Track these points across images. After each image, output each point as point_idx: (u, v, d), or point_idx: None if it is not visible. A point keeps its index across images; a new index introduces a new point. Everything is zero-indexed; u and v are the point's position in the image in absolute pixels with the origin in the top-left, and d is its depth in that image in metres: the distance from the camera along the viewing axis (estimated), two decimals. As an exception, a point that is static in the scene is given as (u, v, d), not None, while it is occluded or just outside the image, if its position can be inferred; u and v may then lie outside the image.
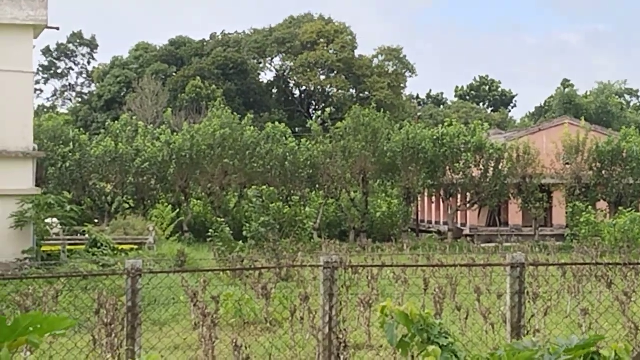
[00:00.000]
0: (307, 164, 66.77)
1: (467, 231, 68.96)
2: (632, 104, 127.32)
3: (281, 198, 62.79)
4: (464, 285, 31.13)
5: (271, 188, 63.60)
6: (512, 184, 67.83)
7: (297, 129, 77.75)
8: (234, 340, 16.76)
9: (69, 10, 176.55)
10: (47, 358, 17.53)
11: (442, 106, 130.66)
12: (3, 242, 41.69)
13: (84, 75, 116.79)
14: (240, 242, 50.85)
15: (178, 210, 63.64)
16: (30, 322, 4.23)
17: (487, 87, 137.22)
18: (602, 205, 66.43)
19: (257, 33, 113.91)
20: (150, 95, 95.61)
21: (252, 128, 68.70)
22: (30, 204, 42.35)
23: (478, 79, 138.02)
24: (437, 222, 76.08)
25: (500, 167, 67.29)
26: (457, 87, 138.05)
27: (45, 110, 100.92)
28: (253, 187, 63.33)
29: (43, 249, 43.60)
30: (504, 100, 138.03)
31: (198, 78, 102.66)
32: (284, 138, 68.62)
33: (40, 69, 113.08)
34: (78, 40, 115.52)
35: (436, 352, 8.10)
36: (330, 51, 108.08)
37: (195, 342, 20.32)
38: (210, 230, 52.63)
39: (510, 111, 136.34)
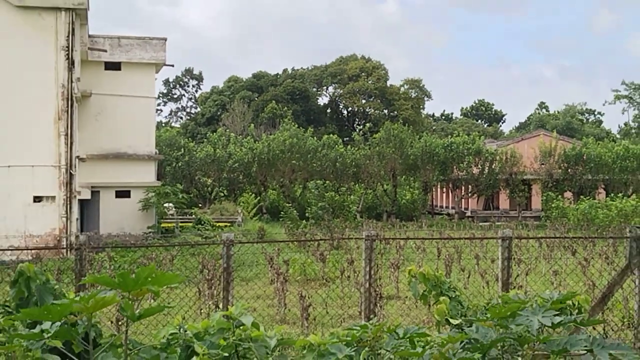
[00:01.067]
0: (352, 164, 66.74)
1: (468, 213, 68.67)
2: (590, 120, 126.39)
3: (333, 189, 62.81)
4: (467, 253, 31.14)
5: (326, 181, 63.80)
6: (502, 179, 67.81)
7: (344, 139, 77.47)
8: (300, 292, 16.97)
9: (184, 51, 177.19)
10: (165, 304, 17.88)
11: (450, 122, 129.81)
12: (134, 220, 42.35)
13: (192, 100, 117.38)
14: (304, 221, 51.06)
15: (258, 197, 63.83)
16: (147, 273, 4.49)
17: (484, 108, 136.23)
18: (568, 195, 66.19)
19: (316, 69, 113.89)
20: (239, 114, 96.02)
21: (312, 138, 68.88)
22: (153, 193, 42.90)
23: (477, 102, 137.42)
24: (447, 207, 75.76)
25: (493, 167, 67.25)
26: (462, 108, 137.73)
27: (164, 125, 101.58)
28: (313, 180, 63.60)
29: (162, 225, 44.18)
30: (496, 117, 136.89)
31: (273, 102, 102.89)
32: (335, 145, 68.64)
33: (161, 95, 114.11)
34: (189, 75, 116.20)
35: (446, 302, 8.32)
36: (369, 82, 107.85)
37: (272, 293, 20.53)
38: (282, 212, 52.88)
39: (500, 125, 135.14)
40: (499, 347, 4.43)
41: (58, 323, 5.50)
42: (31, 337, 5.30)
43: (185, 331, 5.02)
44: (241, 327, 5.43)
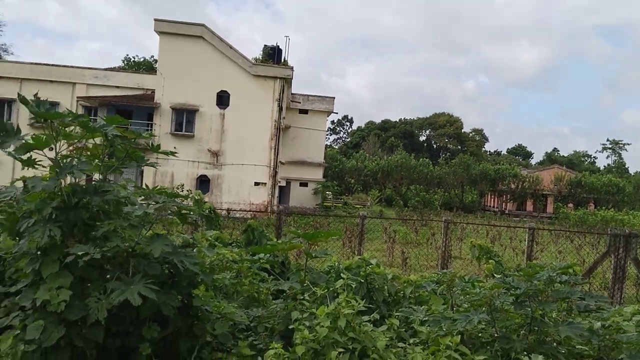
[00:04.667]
0: (436, 177, 65.40)
1: (507, 212, 65.88)
2: (587, 161, 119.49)
3: (424, 190, 61.80)
4: (504, 235, 29.92)
5: (420, 186, 62.83)
6: (529, 192, 64.46)
7: (433, 162, 75.86)
8: (402, 250, 16.89)
9: (345, 104, 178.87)
10: (324, 247, 18.21)
11: (499, 155, 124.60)
12: (308, 200, 42.95)
13: (346, 133, 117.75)
14: (406, 207, 50.52)
15: (380, 192, 63.50)
16: (317, 233, 4.61)
17: (521, 149, 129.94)
18: (570, 205, 62.43)
19: (420, 119, 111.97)
20: (371, 143, 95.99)
21: (413, 160, 67.94)
22: (320, 185, 43.34)
23: (517, 145, 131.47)
24: (493, 206, 72.73)
25: (524, 185, 64.11)
26: (507, 148, 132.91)
27: (328, 146, 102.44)
28: (413, 185, 62.75)
29: (324, 204, 44.59)
30: (528, 155, 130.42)
31: (392, 137, 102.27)
32: (427, 165, 67.47)
33: (329, 129, 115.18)
34: (345, 119, 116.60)
35: (492, 263, 8.06)
36: (451, 129, 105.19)
37: (384, 249, 20.45)
38: (393, 202, 52.62)
39: (530, 159, 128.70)
40: (526, 293, 4.37)
41: (267, 255, 5.73)
42: (254, 261, 5.55)
43: (339, 265, 5.13)
44: (369, 266, 5.49)
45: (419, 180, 64.95)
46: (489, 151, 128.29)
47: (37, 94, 4.27)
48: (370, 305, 4.79)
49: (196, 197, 6.05)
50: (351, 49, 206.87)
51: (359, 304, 3.84)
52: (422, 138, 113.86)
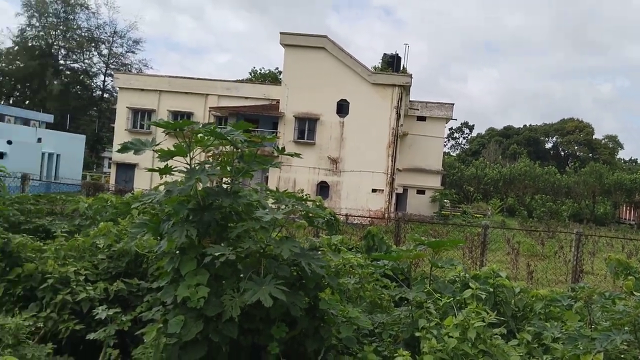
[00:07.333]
0: (564, 186, 61.37)
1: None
2: None
3: (551, 200, 58.22)
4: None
5: (545, 195, 59.38)
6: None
7: (560, 170, 71.29)
8: (527, 262, 16.03)
9: (464, 110, 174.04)
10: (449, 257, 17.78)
11: (635, 164, 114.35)
12: (425, 208, 42.19)
13: (464, 140, 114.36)
14: (530, 218, 47.95)
15: (501, 201, 60.78)
16: (443, 241, 4.43)
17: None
18: None
19: (545, 125, 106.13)
20: (492, 151, 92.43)
21: (539, 168, 64.39)
22: (438, 193, 42.48)
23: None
24: (629, 219, 66.52)
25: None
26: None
27: (446, 154, 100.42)
28: (538, 195, 59.46)
29: (442, 213, 43.56)
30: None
31: (515, 144, 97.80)
32: (554, 174, 63.53)
33: (447, 138, 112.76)
34: (464, 125, 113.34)
35: (632, 280, 7.33)
36: (580, 135, 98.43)
37: (507, 260, 19.50)
38: (516, 212, 50.25)
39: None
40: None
41: (391, 262, 5.66)
42: (377, 267, 5.50)
43: (465, 275, 4.95)
44: (497, 278, 5.24)
45: (544, 190, 61.38)
46: (624, 159, 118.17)
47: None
48: (499, 318, 4.56)
49: (317, 203, 6.14)
50: (473, 53, 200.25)
51: (490, 315, 3.65)
52: (548, 145, 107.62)
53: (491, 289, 4.83)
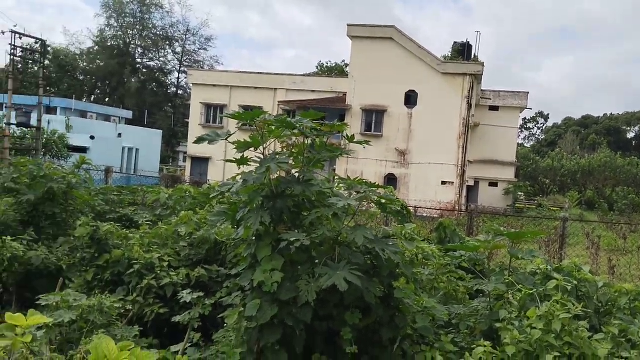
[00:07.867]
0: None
1: None
2: None
3: (634, 193, 54.67)
4: None
5: (629, 188, 55.98)
6: None
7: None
8: (608, 257, 15.26)
9: (540, 99, 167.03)
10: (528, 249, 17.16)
11: None
12: (498, 201, 41.02)
13: (539, 131, 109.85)
14: (610, 212, 45.52)
15: (580, 194, 57.82)
16: (523, 232, 4.25)
17: None
18: None
19: (628, 114, 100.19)
20: (569, 141, 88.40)
21: (620, 159, 60.92)
22: (511, 185, 41.25)
23: None
24: None
25: None
26: None
27: (520, 145, 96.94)
28: (619, 187, 56.17)
29: (516, 206, 42.14)
30: None
31: (594, 134, 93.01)
32: (637, 165, 59.79)
33: (521, 129, 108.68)
34: (539, 115, 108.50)
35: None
36: None
37: (586, 255, 18.59)
38: (596, 205, 47.88)
39: None
40: None
41: (468, 253, 5.53)
42: (455, 258, 5.41)
43: (547, 267, 4.76)
44: (580, 271, 5.03)
45: (627, 182, 57.88)
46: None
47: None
48: (584, 311, 4.37)
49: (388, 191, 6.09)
50: (548, 40, 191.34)
51: (576, 307, 3.49)
52: (631, 135, 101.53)
53: (575, 282, 4.62)
